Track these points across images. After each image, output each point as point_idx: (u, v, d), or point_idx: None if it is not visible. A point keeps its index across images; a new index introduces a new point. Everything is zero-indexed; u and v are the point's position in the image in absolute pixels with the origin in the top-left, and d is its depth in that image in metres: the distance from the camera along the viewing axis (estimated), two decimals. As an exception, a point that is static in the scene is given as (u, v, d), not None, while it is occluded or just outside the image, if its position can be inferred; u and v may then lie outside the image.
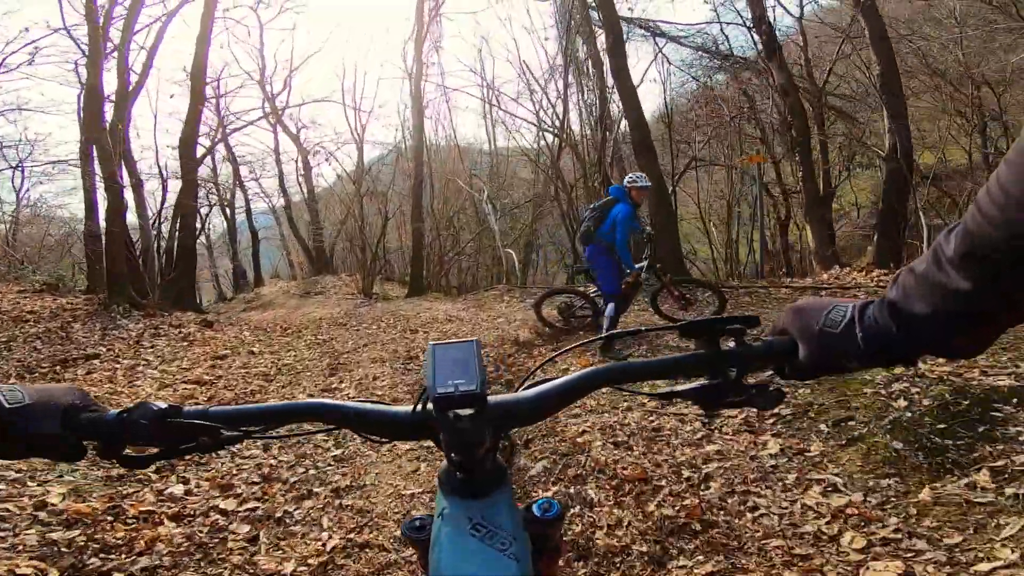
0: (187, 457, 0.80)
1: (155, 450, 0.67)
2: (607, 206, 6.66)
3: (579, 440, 4.06)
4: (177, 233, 12.41)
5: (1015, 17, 11.51)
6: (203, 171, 24.04)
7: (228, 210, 25.00)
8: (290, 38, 29.06)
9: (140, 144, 18.85)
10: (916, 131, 16.57)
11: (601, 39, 12.29)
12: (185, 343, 8.14)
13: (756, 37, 12.19)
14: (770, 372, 0.74)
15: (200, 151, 15.30)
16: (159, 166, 14.11)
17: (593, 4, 12.42)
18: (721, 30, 12.94)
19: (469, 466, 0.66)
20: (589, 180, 11.17)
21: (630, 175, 6.75)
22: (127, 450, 0.67)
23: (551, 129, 12.11)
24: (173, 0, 13.72)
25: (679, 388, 0.72)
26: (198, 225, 28.02)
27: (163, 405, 0.66)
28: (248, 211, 23.95)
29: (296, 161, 21.87)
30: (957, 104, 13.60)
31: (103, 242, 10.24)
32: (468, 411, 0.63)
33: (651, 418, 4.35)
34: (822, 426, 3.69)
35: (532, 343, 7.33)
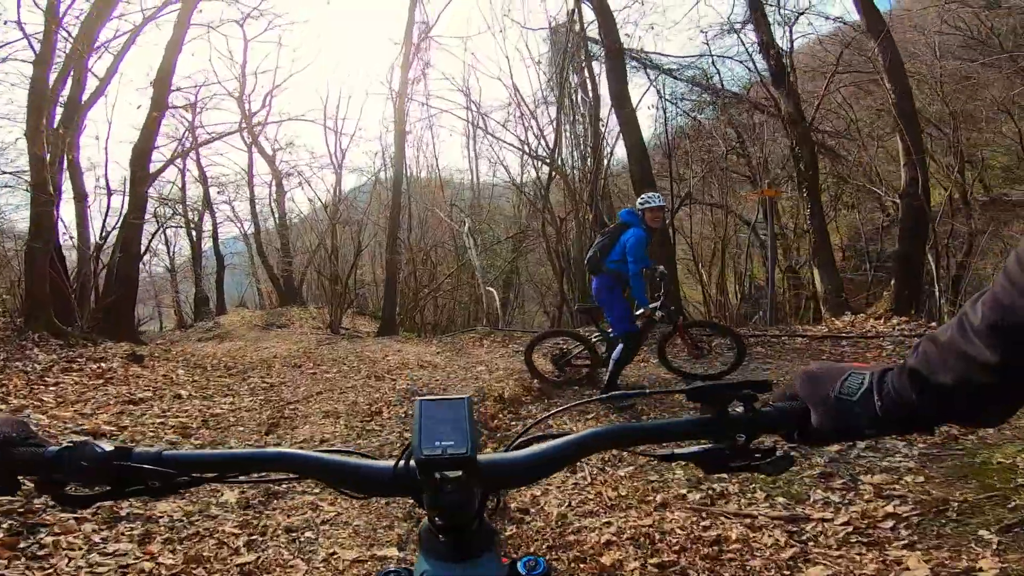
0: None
1: (100, 490, 0.63)
2: (617, 231, 5.75)
3: (604, 559, 2.79)
4: (118, 254, 10.87)
5: (996, 49, 11.11)
6: (172, 191, 22.71)
7: (195, 233, 23.41)
8: (275, 55, 27.79)
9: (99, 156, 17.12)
10: (876, 172, 16.28)
11: (596, 65, 11.53)
12: (100, 381, 6.63)
13: (757, 65, 11.57)
14: (775, 437, 0.70)
15: (159, 167, 13.74)
16: (106, 179, 12.57)
17: (587, 31, 11.69)
18: (712, 63, 12.25)
19: (454, 530, 0.63)
20: (580, 213, 10.13)
21: (643, 196, 5.78)
22: (69, 487, 0.64)
23: (541, 157, 11.12)
24: (150, 4, 12.52)
25: (681, 451, 0.69)
26: (163, 247, 26.59)
27: (108, 447, 0.62)
28: (215, 235, 22.34)
29: (270, 185, 20.51)
30: (936, 143, 13.15)
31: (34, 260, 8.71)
32: (456, 473, 0.60)
33: (702, 521, 3.10)
34: (983, 532, 2.50)
35: (520, 399, 6.07)
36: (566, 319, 10.68)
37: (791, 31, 9.87)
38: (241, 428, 5.25)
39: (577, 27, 10.59)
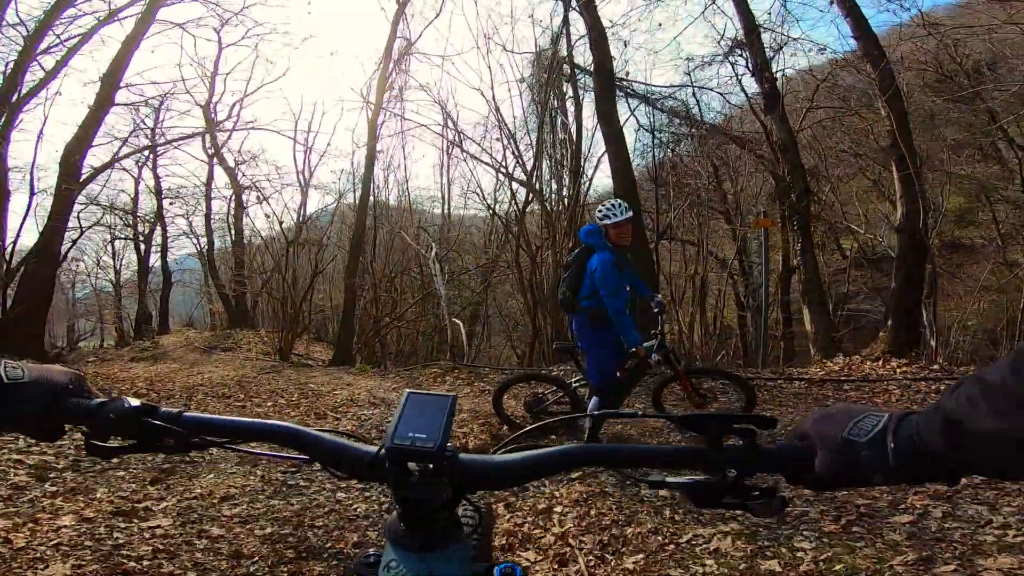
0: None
1: (126, 443, 0.67)
2: (582, 258, 4.58)
3: None
4: (32, 260, 9.36)
5: (960, 87, 10.87)
6: (122, 200, 20.93)
7: (143, 246, 21.59)
8: (249, 64, 26.35)
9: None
10: (843, 213, 16.00)
11: (580, 91, 10.80)
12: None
13: (741, 94, 11.06)
14: (777, 476, 0.65)
15: (96, 169, 12.23)
16: (31, 178, 11.04)
17: (573, 51, 11.01)
18: (693, 94, 11.67)
19: (419, 522, 0.65)
20: (557, 241, 9.16)
21: (602, 206, 4.58)
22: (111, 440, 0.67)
23: (519, 179, 10.21)
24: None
25: (672, 479, 0.65)
26: (109, 259, 24.49)
27: (137, 403, 0.68)
28: (164, 249, 20.63)
29: (229, 200, 19.00)
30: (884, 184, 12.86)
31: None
32: (422, 466, 0.61)
33: None
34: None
35: (486, 449, 4.83)
36: (538, 358, 9.59)
37: (782, 55, 9.38)
38: (119, 474, 3.94)
39: (564, 49, 9.90)
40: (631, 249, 4.76)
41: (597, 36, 8.35)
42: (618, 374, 4.69)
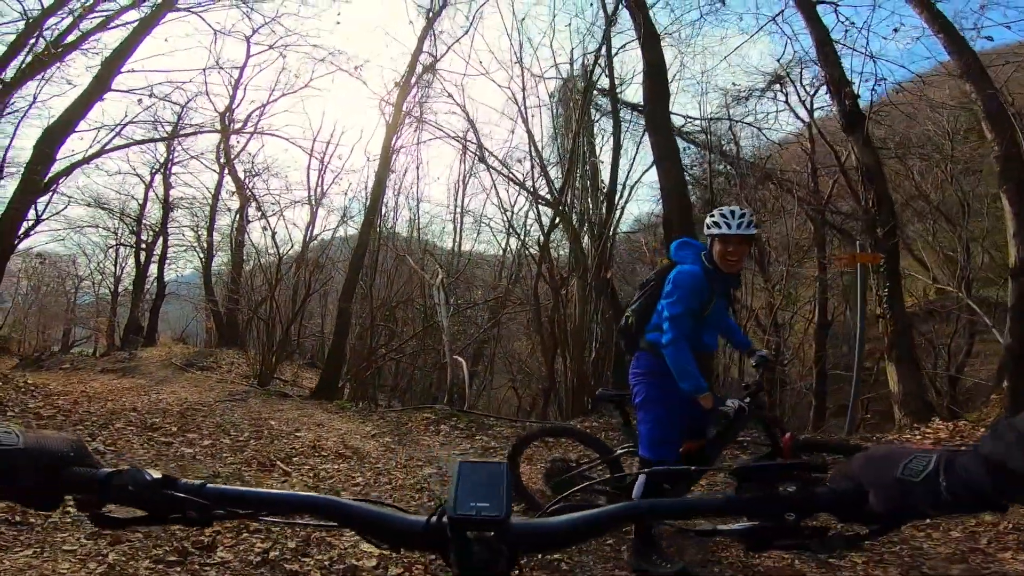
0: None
1: (140, 514, 0.63)
2: (660, 276, 2.99)
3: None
4: None
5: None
6: (130, 205, 19.59)
7: (144, 255, 20.11)
8: (270, 74, 25.03)
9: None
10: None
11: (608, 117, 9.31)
12: None
13: (779, 128, 9.51)
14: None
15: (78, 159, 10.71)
16: (1, 161, 9.59)
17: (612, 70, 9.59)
18: (731, 128, 10.16)
19: None
20: (587, 272, 7.43)
21: (715, 212, 2.86)
22: (109, 509, 0.63)
23: (545, 199, 8.57)
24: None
25: (724, 527, 0.65)
26: (111, 266, 22.98)
27: (157, 475, 0.62)
28: (162, 260, 19.12)
29: (235, 215, 17.50)
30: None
31: None
32: (486, 534, 0.60)
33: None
34: None
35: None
36: (554, 411, 7.74)
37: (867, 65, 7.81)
38: None
39: (601, 64, 8.45)
40: (735, 282, 2.99)
41: (648, 36, 6.93)
42: (682, 443, 2.92)
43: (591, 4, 9.18)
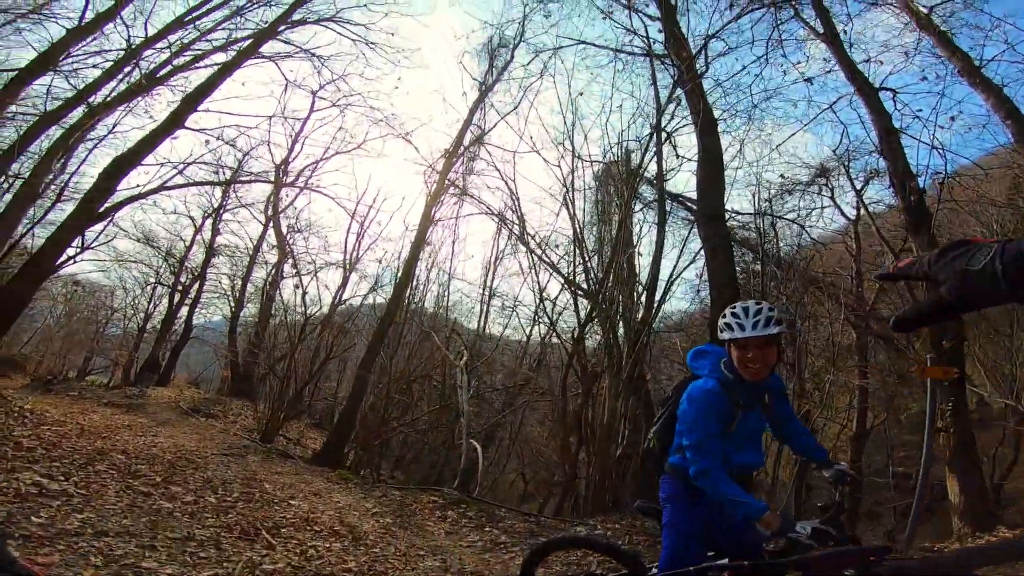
0: None
1: None
2: (678, 392, 2.52)
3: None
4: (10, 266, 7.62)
5: None
6: (176, 246, 19.96)
7: (178, 295, 20.14)
8: (330, 130, 25.16)
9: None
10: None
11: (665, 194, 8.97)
12: None
13: (848, 216, 8.81)
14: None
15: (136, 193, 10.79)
16: (62, 185, 9.67)
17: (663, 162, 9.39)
18: (772, 224, 9.41)
19: None
20: (624, 364, 6.79)
21: (727, 312, 2.26)
22: None
23: (583, 289, 8.03)
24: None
25: None
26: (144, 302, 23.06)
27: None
28: (194, 303, 19.09)
29: (271, 267, 17.53)
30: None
31: None
32: None
33: None
34: None
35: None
36: (568, 510, 6.83)
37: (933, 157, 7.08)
38: None
39: (653, 149, 8.27)
40: (768, 387, 2.38)
41: (706, 121, 6.74)
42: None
43: (649, 84, 8.99)
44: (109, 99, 9.55)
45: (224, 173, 14.63)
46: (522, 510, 6.61)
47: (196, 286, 19.59)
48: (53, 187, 9.99)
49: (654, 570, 2.72)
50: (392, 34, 17.57)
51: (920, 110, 7.20)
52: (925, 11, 6.99)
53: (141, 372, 18.61)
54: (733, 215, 9.53)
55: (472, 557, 4.25)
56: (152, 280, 21.92)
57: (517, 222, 9.58)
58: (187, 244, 19.69)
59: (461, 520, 5.32)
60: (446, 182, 11.14)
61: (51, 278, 13.22)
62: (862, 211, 9.63)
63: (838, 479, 2.46)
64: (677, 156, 8.53)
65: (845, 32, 7.35)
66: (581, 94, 13.87)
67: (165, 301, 21.43)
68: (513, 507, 6.54)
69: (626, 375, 6.82)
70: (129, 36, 8.98)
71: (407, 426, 12.72)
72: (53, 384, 15.32)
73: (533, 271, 9.70)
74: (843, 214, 10.30)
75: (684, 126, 8.15)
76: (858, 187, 9.33)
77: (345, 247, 14.42)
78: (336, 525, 4.38)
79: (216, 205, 18.40)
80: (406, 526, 4.80)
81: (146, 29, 9.12)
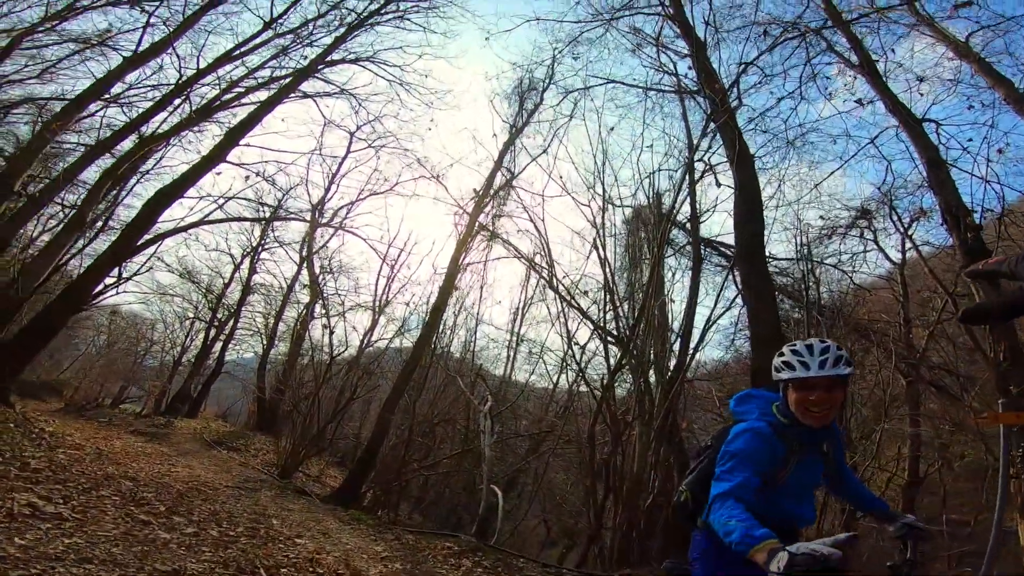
0: None
1: None
2: (719, 441, 2.09)
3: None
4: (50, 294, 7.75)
5: None
6: (216, 282, 20.43)
7: (214, 331, 20.43)
8: (366, 170, 25.19)
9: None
10: None
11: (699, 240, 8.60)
12: None
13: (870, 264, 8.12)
14: None
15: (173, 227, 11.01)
16: (106, 216, 9.90)
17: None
18: (812, 270, 8.58)
19: None
20: (656, 413, 6.30)
21: (785, 349, 1.95)
22: None
23: (614, 335, 7.58)
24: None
25: None
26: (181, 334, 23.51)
27: None
28: (228, 339, 19.33)
29: (303, 307, 17.66)
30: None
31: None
32: None
33: None
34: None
35: None
36: (594, 562, 6.22)
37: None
38: None
39: (686, 189, 7.95)
40: (828, 435, 2.03)
41: (741, 154, 6.38)
42: None
43: (680, 121, 8.64)
44: (159, 132, 9.88)
45: (264, 211, 14.95)
46: (542, 561, 6.04)
47: (231, 323, 19.85)
48: (102, 217, 10.23)
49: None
50: (426, 75, 18.21)
51: (970, 139, 6.64)
52: (963, 39, 6.67)
53: (172, 403, 18.71)
54: (772, 259, 9.05)
55: (486, 613, 3.79)
56: (191, 315, 22.41)
57: (546, 267, 9.33)
58: (225, 281, 20.14)
59: (476, 569, 4.84)
60: (476, 225, 11.04)
61: (94, 308, 13.48)
62: (908, 255, 9.03)
63: (905, 533, 2.04)
64: (718, 183, 7.97)
65: (880, 63, 7.01)
66: (612, 129, 13.76)
67: (201, 336, 21.79)
68: (533, 557, 5.98)
69: (658, 424, 6.33)
70: (181, 68, 9.36)
71: (428, 469, 12.26)
72: (86, 410, 15.52)
73: (562, 316, 9.34)
74: (888, 258, 9.62)
75: (719, 164, 7.84)
76: (904, 228, 8.73)
77: (375, 289, 14.38)
78: (340, 568, 4.00)
79: (255, 244, 18.84)
80: (416, 573, 4.37)
81: (198, 62, 9.51)
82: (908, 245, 8.91)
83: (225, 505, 5.48)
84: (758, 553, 1.60)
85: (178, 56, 9.19)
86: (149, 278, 18.91)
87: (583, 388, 11.30)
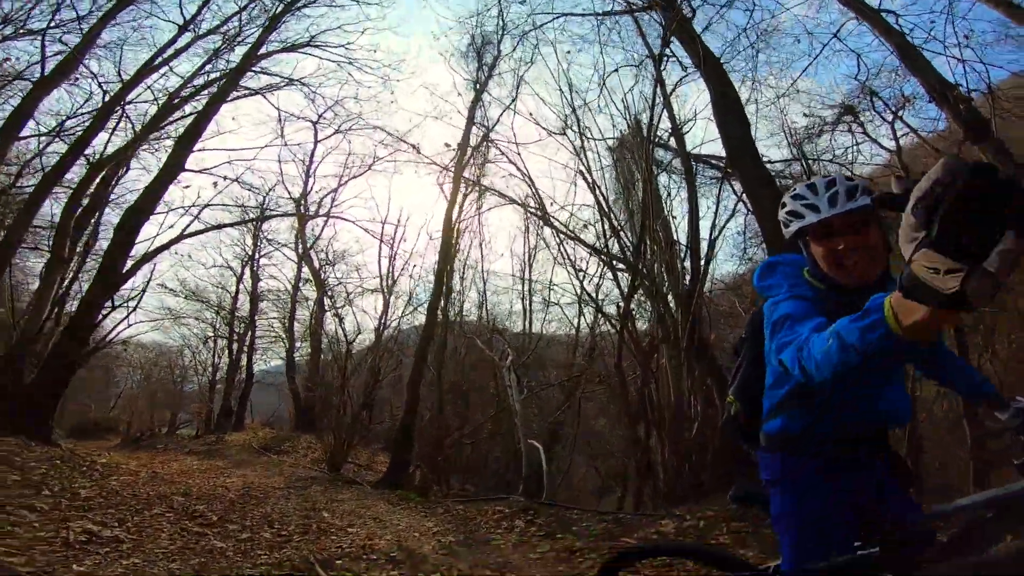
0: None
1: None
2: (754, 327, 1.65)
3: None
4: (56, 334, 7.76)
5: None
6: (225, 299, 20.55)
7: (235, 345, 20.70)
8: (337, 158, 25.71)
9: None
10: None
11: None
12: None
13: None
14: None
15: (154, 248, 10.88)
16: (84, 247, 9.83)
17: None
18: (808, 169, 8.33)
19: None
20: (680, 337, 6.13)
21: (786, 198, 1.48)
22: None
23: (620, 259, 7.43)
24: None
25: None
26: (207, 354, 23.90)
27: None
28: (251, 349, 19.58)
29: (313, 303, 17.71)
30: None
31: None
32: None
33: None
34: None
35: None
36: (647, 504, 6.23)
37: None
38: None
39: (660, 103, 7.57)
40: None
41: (709, 62, 5.98)
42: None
43: (640, 43, 8.33)
44: (108, 154, 9.83)
45: (249, 213, 14.89)
46: (597, 509, 6.06)
47: (249, 334, 20.07)
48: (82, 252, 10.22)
49: (771, 568, 2.04)
50: (374, 50, 17.55)
51: (933, 23, 6.33)
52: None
53: (218, 420, 19.20)
54: (768, 162, 8.72)
55: (543, 570, 3.79)
56: (210, 334, 22.73)
57: (536, 207, 9.15)
58: (232, 294, 20.27)
59: (529, 529, 4.86)
60: (461, 181, 10.83)
61: (114, 343, 13.61)
62: (902, 141, 8.69)
63: (1018, 416, 1.54)
64: (684, 69, 7.68)
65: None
66: (568, 52, 13.13)
67: (226, 352, 22.13)
68: (587, 507, 6.01)
69: (685, 344, 6.17)
70: (102, 84, 9.48)
71: (467, 437, 12.40)
72: (142, 440, 16.09)
73: (564, 251, 9.21)
74: (882, 147, 9.31)
75: (690, 73, 7.49)
76: (893, 112, 8.42)
77: (380, 271, 14.24)
78: (394, 551, 4.01)
79: (250, 252, 18.84)
80: (469, 543, 4.39)
81: (120, 76, 9.50)
82: (901, 130, 8.57)
83: (276, 506, 5.57)
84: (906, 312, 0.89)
85: (93, 74, 9.22)
86: (158, 304, 19.17)
87: (605, 328, 11.29)
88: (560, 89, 13.21)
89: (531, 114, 11.10)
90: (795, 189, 1.50)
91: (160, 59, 9.77)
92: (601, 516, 5.09)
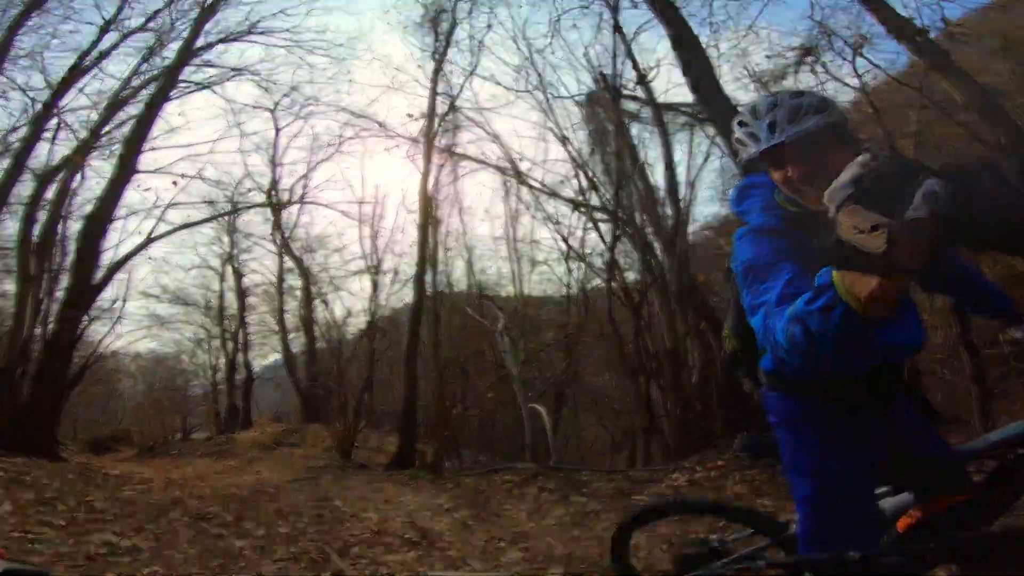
0: None
1: None
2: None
3: None
4: (45, 340, 7.64)
5: None
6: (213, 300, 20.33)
7: (230, 344, 20.61)
8: (303, 145, 23.58)
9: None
10: None
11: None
12: None
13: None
14: None
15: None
16: (51, 257, 9.55)
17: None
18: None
19: None
20: (668, 277, 6.12)
21: (734, 125, 1.33)
22: None
23: (599, 208, 7.44)
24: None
25: None
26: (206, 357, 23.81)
27: None
28: (245, 346, 19.51)
29: (301, 292, 17.53)
30: None
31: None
32: None
33: None
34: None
35: None
36: (657, 457, 6.33)
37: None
38: None
39: (622, 53, 7.39)
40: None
41: (663, 5, 5.83)
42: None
43: None
44: (53, 164, 9.55)
45: (219, 209, 14.60)
46: (607, 468, 6.14)
47: (241, 331, 19.95)
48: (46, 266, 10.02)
49: (794, 527, 1.98)
50: (323, 31, 16.92)
51: None
52: None
53: (227, 420, 19.29)
54: (739, 107, 8.64)
55: (559, 536, 3.84)
56: (203, 336, 22.57)
57: (511, 166, 9.07)
58: (218, 294, 20.04)
59: (541, 495, 4.92)
60: (432, 149, 10.66)
61: (104, 356, 13.48)
62: (865, 78, 8.58)
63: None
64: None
65: None
66: (522, 7, 12.89)
67: (222, 352, 22.03)
68: (596, 467, 6.09)
69: (674, 288, 6.15)
70: (27, 93, 9.20)
71: (471, 408, 12.49)
72: (156, 447, 16.15)
73: (541, 206, 9.26)
74: (847, 84, 9.24)
75: (649, 22, 7.30)
76: (852, 51, 8.32)
77: (363, 253, 14.05)
78: (408, 532, 4.06)
79: (228, 248, 18.54)
80: (482, 516, 4.45)
81: (48, 84, 9.19)
82: (864, 68, 8.50)
83: (289, 500, 5.60)
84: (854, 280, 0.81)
85: (17, 85, 9.00)
86: (146, 311, 18.98)
87: (597, 282, 11.32)
88: (519, 48, 12.95)
89: (492, 76, 10.90)
90: (741, 111, 1.36)
91: (87, 61, 9.41)
92: (610, 476, 5.17)
